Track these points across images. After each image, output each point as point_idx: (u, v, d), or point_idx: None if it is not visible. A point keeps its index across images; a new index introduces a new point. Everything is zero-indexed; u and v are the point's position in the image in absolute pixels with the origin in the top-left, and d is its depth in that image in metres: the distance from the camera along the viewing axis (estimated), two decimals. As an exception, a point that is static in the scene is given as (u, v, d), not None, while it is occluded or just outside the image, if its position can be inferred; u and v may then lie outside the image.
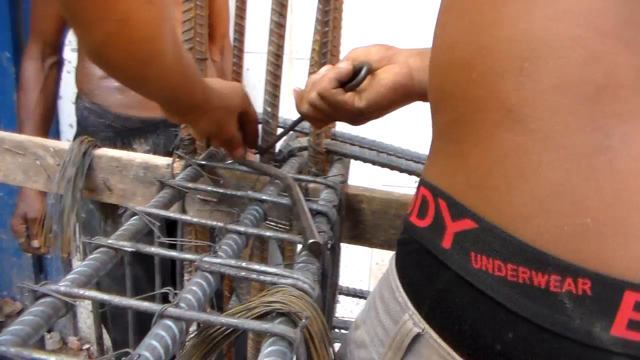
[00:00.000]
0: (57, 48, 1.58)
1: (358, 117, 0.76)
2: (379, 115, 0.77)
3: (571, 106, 0.42)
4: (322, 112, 0.77)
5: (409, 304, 0.53)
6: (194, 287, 0.53)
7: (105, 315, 1.64)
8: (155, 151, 1.53)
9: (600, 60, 0.41)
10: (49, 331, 2.58)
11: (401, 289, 0.55)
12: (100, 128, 1.52)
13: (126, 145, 1.53)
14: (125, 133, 1.53)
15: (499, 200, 0.46)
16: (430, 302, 0.51)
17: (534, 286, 0.44)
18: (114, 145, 1.45)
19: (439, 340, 0.50)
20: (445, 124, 0.53)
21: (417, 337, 0.52)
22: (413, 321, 0.52)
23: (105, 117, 1.52)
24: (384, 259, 2.21)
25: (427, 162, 0.58)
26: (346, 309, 2.18)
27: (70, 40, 1.82)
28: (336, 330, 1.33)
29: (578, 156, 0.42)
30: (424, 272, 0.53)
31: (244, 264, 0.57)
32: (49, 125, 1.60)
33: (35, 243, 1.56)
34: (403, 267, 0.56)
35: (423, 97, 0.72)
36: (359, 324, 0.63)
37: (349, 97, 0.74)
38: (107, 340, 1.79)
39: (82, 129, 1.57)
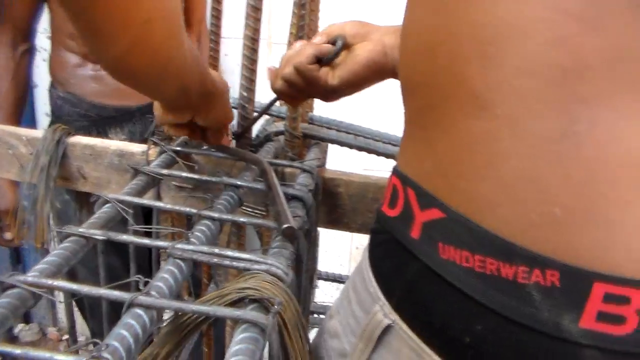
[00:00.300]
0: (28, 35, 1.54)
1: (331, 93, 0.76)
2: (352, 92, 0.76)
3: (537, 90, 0.41)
4: (296, 88, 0.77)
5: (380, 295, 0.53)
6: (165, 275, 0.52)
7: (83, 305, 1.63)
8: (131, 140, 1.51)
9: (566, 42, 0.40)
10: (27, 322, 2.56)
11: (372, 279, 0.54)
12: (75, 117, 1.51)
13: (102, 135, 1.51)
14: (100, 122, 1.51)
15: (466, 188, 0.45)
16: (400, 293, 0.51)
17: (502, 277, 0.43)
18: (89, 135, 1.44)
19: (409, 332, 0.49)
20: (414, 111, 0.52)
21: (388, 328, 0.51)
22: (383, 312, 0.52)
23: (80, 107, 1.51)
24: (363, 243, 2.20)
25: (399, 149, 0.57)
26: (326, 294, 2.19)
27: (46, 27, 1.79)
28: (315, 315, 1.33)
29: (545, 142, 0.41)
30: (394, 262, 0.52)
31: (216, 250, 0.56)
32: (21, 114, 1.57)
33: (8, 235, 1.53)
34: (375, 257, 0.56)
35: (396, 75, 0.71)
36: (332, 314, 0.63)
37: (323, 73, 0.74)
38: (86, 331, 1.78)
39: (57, 118, 1.54)
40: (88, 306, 1.61)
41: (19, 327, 2.52)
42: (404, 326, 0.50)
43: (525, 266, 0.42)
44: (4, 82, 1.50)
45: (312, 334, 0.68)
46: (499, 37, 0.42)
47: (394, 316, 0.51)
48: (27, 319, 2.57)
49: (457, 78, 0.45)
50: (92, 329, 1.66)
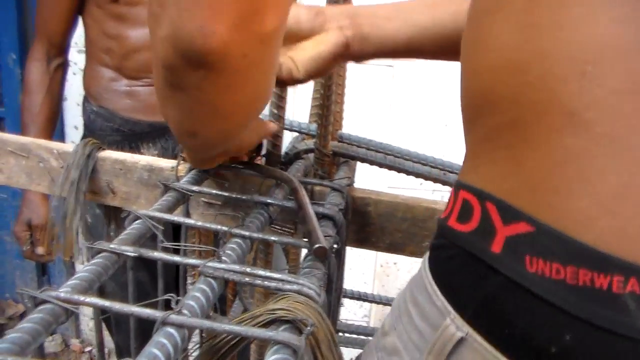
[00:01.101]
0: (62, 49, 1.56)
1: (295, 83, 0.78)
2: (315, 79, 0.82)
3: (637, 109, 0.42)
4: None
5: (450, 308, 0.52)
6: (197, 294, 0.52)
7: (109, 319, 1.63)
8: (163, 155, 1.52)
9: None
10: (51, 333, 2.57)
11: (439, 294, 0.54)
12: (107, 132, 1.51)
13: (134, 150, 1.52)
14: (133, 137, 1.52)
15: (559, 203, 0.46)
16: (475, 307, 0.50)
17: (595, 288, 0.44)
18: (121, 150, 1.45)
19: (484, 343, 0.49)
20: (493, 128, 0.52)
21: (460, 341, 0.51)
22: (455, 325, 0.51)
23: (113, 121, 1.51)
24: (388, 261, 2.20)
25: (466, 165, 0.57)
26: (350, 311, 2.17)
27: (77, 42, 1.81)
28: (340, 334, 1.32)
29: None
30: (467, 276, 0.51)
31: (248, 270, 0.56)
32: (53, 128, 1.58)
33: (40, 250, 1.53)
34: (441, 272, 0.55)
35: (355, 60, 0.79)
36: (387, 330, 0.62)
37: (286, 70, 0.75)
38: (110, 343, 1.78)
39: (89, 132, 1.55)
40: (114, 321, 1.61)
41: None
42: (479, 338, 0.49)
43: (620, 276, 0.43)
44: (38, 96, 1.51)
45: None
46: (599, 57, 0.43)
47: (467, 329, 0.50)
48: (48, 335, 2.59)
49: (551, 96, 0.45)
50: (117, 342, 1.67)
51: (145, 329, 0.59)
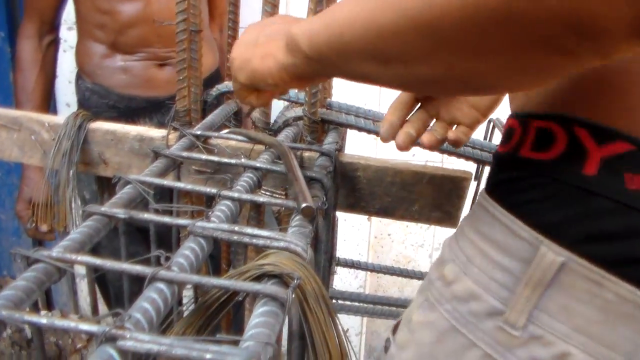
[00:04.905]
0: (54, 26, 1.54)
1: None
2: None
3: None
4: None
5: (541, 237, 0.52)
6: (186, 252, 0.53)
7: (108, 293, 1.64)
8: None
9: None
10: (50, 309, 2.59)
11: (523, 225, 0.54)
12: (103, 109, 1.50)
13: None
14: (129, 113, 1.51)
15: None
16: (572, 230, 0.51)
17: None
18: (117, 126, 1.45)
19: (587, 264, 0.50)
20: None
21: (561, 267, 0.51)
22: (553, 252, 0.51)
23: (108, 98, 1.50)
24: (382, 232, 2.21)
25: (532, 95, 0.57)
26: (345, 282, 2.19)
27: (65, 19, 1.80)
28: (333, 300, 1.34)
29: None
30: (558, 202, 0.52)
31: (236, 228, 0.57)
32: (48, 105, 1.58)
33: (44, 227, 1.52)
34: (520, 204, 0.55)
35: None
36: (452, 280, 0.61)
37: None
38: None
39: (85, 110, 1.55)
40: (113, 294, 1.62)
41: (42, 313, 2.55)
42: (582, 260, 0.50)
43: None
44: (32, 74, 1.50)
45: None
46: None
47: (567, 253, 0.51)
48: (49, 305, 2.61)
49: None
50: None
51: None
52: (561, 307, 0.51)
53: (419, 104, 0.73)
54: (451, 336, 0.59)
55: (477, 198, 0.61)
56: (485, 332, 0.56)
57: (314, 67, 0.57)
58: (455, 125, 0.73)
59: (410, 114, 0.73)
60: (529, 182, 0.55)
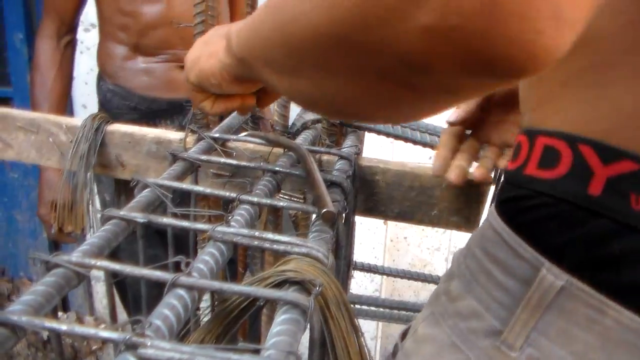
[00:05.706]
0: (72, 26, 1.54)
1: None
2: None
3: None
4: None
5: (542, 259, 0.51)
6: (206, 257, 0.52)
7: (127, 298, 1.64)
8: None
9: None
10: (65, 310, 2.61)
11: (526, 246, 0.53)
12: (124, 110, 1.50)
13: (152, 127, 1.52)
14: (150, 115, 1.51)
15: None
16: (574, 253, 0.50)
17: None
18: (139, 128, 1.45)
19: (588, 289, 0.48)
20: (579, 70, 0.51)
21: (561, 290, 0.50)
22: (553, 274, 0.50)
23: (130, 99, 1.50)
24: (398, 235, 2.20)
25: (541, 111, 0.56)
26: (360, 286, 2.18)
27: (82, 20, 1.80)
28: (350, 305, 1.33)
29: None
30: (561, 223, 0.51)
31: (256, 233, 0.56)
32: (65, 106, 1.58)
33: (69, 227, 1.52)
34: (525, 223, 0.54)
35: None
36: (456, 296, 0.60)
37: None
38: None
39: (106, 111, 1.55)
40: (132, 297, 1.61)
41: (59, 315, 2.56)
42: (581, 285, 0.49)
43: None
44: (50, 73, 1.50)
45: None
46: None
47: (566, 277, 0.49)
48: (64, 307, 2.62)
49: None
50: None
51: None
52: (560, 331, 0.50)
53: (470, 132, 0.73)
54: (450, 352, 0.58)
55: (487, 213, 0.60)
56: (482, 351, 0.55)
57: (242, 68, 0.57)
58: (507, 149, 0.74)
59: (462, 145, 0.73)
60: (533, 201, 0.53)
